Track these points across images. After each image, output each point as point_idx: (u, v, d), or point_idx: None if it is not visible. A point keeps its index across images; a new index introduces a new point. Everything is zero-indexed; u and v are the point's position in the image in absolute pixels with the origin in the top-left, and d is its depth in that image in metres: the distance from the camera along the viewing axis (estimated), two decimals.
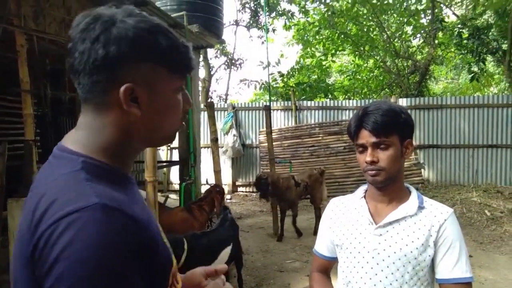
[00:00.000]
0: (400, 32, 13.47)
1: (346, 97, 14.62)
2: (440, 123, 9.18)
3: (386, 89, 13.98)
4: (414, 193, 1.41)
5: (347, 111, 9.60)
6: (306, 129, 9.59)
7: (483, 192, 8.04)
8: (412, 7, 12.94)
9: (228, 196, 9.16)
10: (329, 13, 12.86)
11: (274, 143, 7.41)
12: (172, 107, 0.83)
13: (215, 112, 8.03)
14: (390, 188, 1.37)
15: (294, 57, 17.98)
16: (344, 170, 9.02)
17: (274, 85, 14.13)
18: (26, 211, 0.74)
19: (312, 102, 10.67)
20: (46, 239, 0.65)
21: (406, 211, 1.35)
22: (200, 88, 12.62)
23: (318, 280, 1.54)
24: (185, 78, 0.86)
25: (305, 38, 14.89)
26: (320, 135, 9.41)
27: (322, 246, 1.55)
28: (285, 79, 14.34)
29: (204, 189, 5.72)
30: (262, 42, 14.79)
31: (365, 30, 13.34)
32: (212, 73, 14.83)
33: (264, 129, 8.22)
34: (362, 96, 14.54)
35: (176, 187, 9.13)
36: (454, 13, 13.04)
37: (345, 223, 1.45)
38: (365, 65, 15.22)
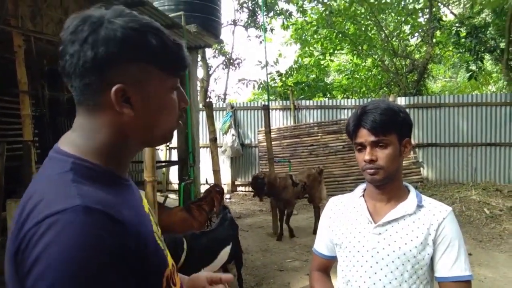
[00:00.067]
0: (398, 31, 13.48)
1: (345, 96, 14.63)
2: (439, 121, 9.20)
3: (385, 88, 13.99)
4: (412, 192, 1.41)
5: (346, 110, 9.60)
6: (305, 129, 9.59)
7: (482, 190, 8.05)
8: (410, 6, 12.96)
9: (227, 196, 9.16)
10: (327, 12, 12.86)
11: (273, 143, 7.42)
12: (166, 106, 0.83)
13: (214, 112, 8.03)
14: (388, 187, 1.37)
15: (292, 57, 18.05)
16: (343, 169, 9.02)
17: (273, 85, 14.13)
18: (16, 212, 0.74)
19: (311, 101, 10.67)
20: (28, 240, 0.65)
21: (405, 210, 1.35)
22: (198, 88, 12.60)
23: (318, 279, 1.54)
24: (179, 76, 0.85)
25: (303, 37, 14.90)
26: (319, 134, 9.42)
27: (321, 245, 1.55)
28: (284, 79, 14.34)
29: (203, 188, 5.72)
30: (260, 42, 14.78)
31: (363, 29, 13.35)
32: (210, 73, 14.83)
33: (263, 128, 8.22)
34: (361, 95, 14.56)
35: (175, 187, 9.13)
36: (451, 12, 13.05)
37: (344, 222, 1.45)
38: (363, 64, 15.23)
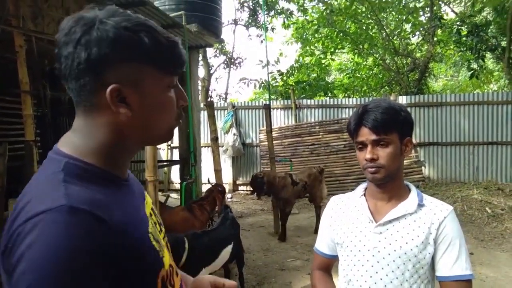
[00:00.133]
0: (399, 30, 13.46)
1: (346, 95, 14.62)
2: (440, 120, 9.18)
3: (386, 87, 13.98)
4: (413, 191, 1.41)
5: (347, 109, 9.59)
6: (306, 128, 9.59)
7: (484, 189, 8.04)
8: (411, 5, 12.94)
9: (228, 195, 9.17)
10: (328, 11, 12.85)
11: (274, 142, 7.42)
12: (163, 105, 0.83)
13: (215, 111, 8.03)
14: (389, 185, 1.37)
15: (293, 56, 18.00)
16: (344, 168, 9.02)
17: (274, 84, 14.13)
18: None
19: (312, 100, 10.66)
20: (15, 238, 0.66)
21: (406, 209, 1.35)
22: (199, 88, 12.62)
23: (319, 278, 1.54)
24: (176, 74, 0.85)
25: (304, 36, 14.89)
26: (320, 134, 9.41)
27: (322, 244, 1.56)
28: (285, 78, 14.33)
29: (205, 188, 5.72)
30: (261, 41, 14.77)
31: (364, 28, 13.33)
32: (211, 72, 14.83)
33: (264, 128, 8.23)
34: (362, 94, 14.54)
35: (177, 186, 9.13)
36: (453, 11, 13.03)
37: (345, 221, 1.45)
38: (365, 63, 15.21)
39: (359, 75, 15.25)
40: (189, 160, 6.23)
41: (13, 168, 4.50)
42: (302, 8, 13.85)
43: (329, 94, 14.02)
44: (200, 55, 10.91)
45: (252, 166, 10.03)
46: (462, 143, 9.07)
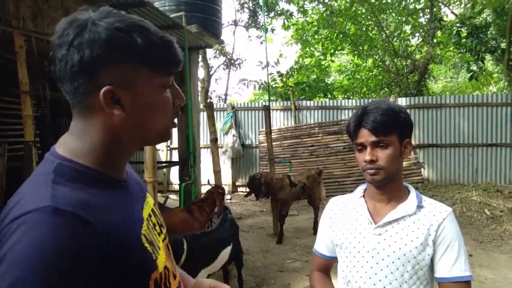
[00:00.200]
0: (398, 31, 13.48)
1: (345, 96, 14.62)
2: (440, 122, 9.19)
3: (385, 89, 13.98)
4: (413, 193, 1.41)
5: (347, 111, 9.60)
6: (305, 129, 9.59)
7: (483, 191, 8.04)
8: (411, 6, 12.95)
9: (228, 196, 9.16)
10: (328, 12, 12.86)
11: (273, 143, 7.42)
12: (158, 105, 0.82)
13: (215, 112, 8.03)
14: (389, 187, 1.37)
15: (293, 57, 18.04)
16: (343, 170, 9.02)
17: (273, 85, 14.13)
18: None
19: (312, 102, 10.67)
20: (1, 237, 0.67)
21: (405, 211, 1.35)
22: (199, 89, 12.61)
23: (318, 279, 1.54)
24: (171, 74, 0.84)
25: (304, 37, 14.89)
26: (320, 135, 9.42)
27: (322, 245, 1.56)
28: (284, 79, 14.34)
29: (204, 189, 5.72)
30: (261, 42, 14.79)
31: (364, 29, 13.35)
32: (211, 73, 14.84)
33: (264, 129, 8.23)
34: (361, 95, 14.55)
35: (176, 187, 9.13)
36: (452, 12, 13.05)
37: (344, 223, 1.45)
38: (364, 64, 15.23)
39: (358, 77, 15.26)
40: (188, 161, 6.23)
41: (12, 169, 4.50)
42: (302, 9, 13.86)
43: (329, 96, 14.03)
44: (200, 56, 10.93)
45: (251, 167, 10.02)
46: (461, 145, 9.07)
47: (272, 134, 7.46)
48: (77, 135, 0.81)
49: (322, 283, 1.52)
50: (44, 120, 5.27)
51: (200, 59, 11.38)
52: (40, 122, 5.23)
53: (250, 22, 14.37)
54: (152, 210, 0.96)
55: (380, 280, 1.33)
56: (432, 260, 1.33)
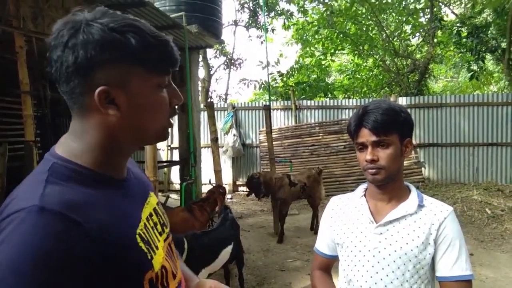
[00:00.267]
0: (399, 31, 13.47)
1: (346, 96, 14.63)
2: (440, 121, 9.19)
3: (386, 88, 13.98)
4: (414, 192, 1.41)
5: (347, 110, 9.60)
6: (306, 129, 9.59)
7: (484, 190, 8.04)
8: (411, 6, 12.95)
9: (228, 196, 9.16)
10: (328, 12, 12.86)
11: (274, 143, 7.42)
12: (154, 105, 0.82)
13: (215, 112, 8.04)
14: (390, 186, 1.37)
15: (294, 57, 18.05)
16: (344, 169, 9.02)
17: (274, 85, 14.14)
18: None
19: (312, 101, 10.67)
20: None
21: (406, 210, 1.35)
22: (199, 88, 12.63)
23: (319, 278, 1.54)
24: (167, 73, 0.84)
25: (304, 37, 14.90)
26: (320, 134, 9.42)
27: (323, 244, 1.56)
28: (285, 79, 14.34)
29: (205, 188, 5.72)
30: (261, 42, 14.79)
31: (364, 29, 13.34)
32: (211, 73, 14.84)
33: (264, 128, 8.23)
34: (362, 95, 14.55)
35: (177, 187, 9.14)
36: (453, 12, 13.05)
37: (345, 222, 1.45)
38: (365, 64, 15.22)
39: (359, 76, 15.26)
40: (189, 161, 6.24)
41: (13, 169, 4.50)
42: (302, 9, 13.86)
43: (329, 95, 14.03)
44: (200, 56, 10.93)
45: (252, 167, 10.03)
46: (462, 144, 9.07)
47: (273, 133, 7.46)
48: (75, 135, 0.81)
49: (323, 282, 1.52)
50: (45, 120, 5.27)
51: (200, 59, 11.39)
52: (41, 122, 5.24)
53: (250, 22, 14.38)
54: (154, 209, 0.95)
55: (381, 279, 1.33)
56: (433, 259, 1.33)
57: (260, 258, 5.21)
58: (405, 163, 1.45)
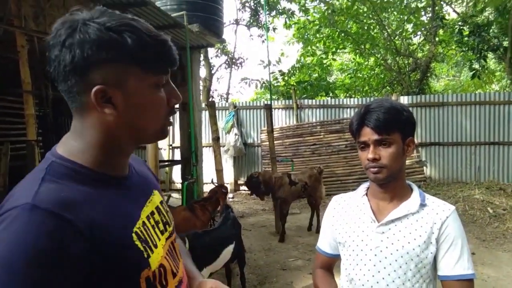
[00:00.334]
0: (400, 30, 13.45)
1: (347, 95, 14.62)
2: (442, 120, 9.17)
3: (387, 87, 13.97)
4: (416, 191, 1.41)
5: (348, 109, 9.59)
6: (307, 128, 9.59)
7: (486, 190, 8.02)
8: (413, 5, 12.93)
9: (230, 195, 9.17)
10: (329, 11, 12.85)
11: (275, 142, 7.42)
12: (151, 105, 0.83)
13: (217, 111, 8.04)
14: (391, 185, 1.37)
15: (295, 56, 18.01)
16: (345, 168, 9.01)
17: (275, 84, 14.14)
18: None
19: (313, 100, 10.66)
20: None
21: (408, 209, 1.35)
22: (201, 88, 12.62)
23: (321, 276, 1.54)
24: (164, 73, 0.84)
25: (306, 36, 14.88)
26: (322, 134, 9.41)
27: (324, 243, 1.56)
28: (286, 78, 14.34)
29: (207, 188, 5.73)
30: (263, 41, 14.79)
31: (366, 28, 13.32)
32: (213, 72, 14.84)
33: (266, 128, 8.23)
34: (363, 94, 14.54)
35: (178, 186, 9.15)
36: (454, 11, 13.01)
37: (347, 221, 1.45)
38: (366, 63, 15.21)
39: (360, 75, 15.25)
40: (190, 160, 6.24)
41: (15, 168, 4.51)
42: (303, 8, 13.85)
43: (331, 94, 14.02)
44: (202, 55, 10.93)
45: (253, 166, 10.03)
46: (463, 143, 9.06)
47: (274, 132, 7.46)
48: (75, 134, 0.82)
49: (325, 280, 1.52)
50: (47, 119, 5.29)
51: (201, 58, 11.39)
52: (43, 121, 5.25)
53: (251, 21, 14.37)
54: (157, 208, 0.95)
55: (383, 278, 1.33)
56: (435, 258, 1.33)
57: (261, 257, 5.22)
58: (407, 162, 1.45)
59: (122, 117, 0.80)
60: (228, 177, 9.58)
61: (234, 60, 15.14)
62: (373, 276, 1.35)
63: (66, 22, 0.77)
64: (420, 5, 12.79)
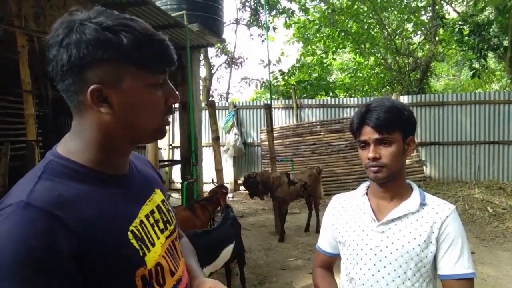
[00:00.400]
0: (400, 29, 13.44)
1: (347, 94, 14.61)
2: (442, 120, 9.17)
3: (387, 87, 13.96)
4: (416, 190, 1.41)
5: (348, 109, 9.59)
6: (307, 127, 9.59)
7: (485, 189, 8.03)
8: (413, 4, 12.92)
9: (230, 195, 9.17)
10: (329, 11, 12.85)
11: (275, 142, 7.42)
12: (147, 104, 0.83)
13: (216, 111, 8.04)
14: (391, 185, 1.37)
15: (295, 55, 18.00)
16: (345, 168, 9.01)
17: (275, 84, 14.13)
18: None
19: (313, 100, 10.65)
20: None
21: (408, 208, 1.35)
22: (201, 87, 12.62)
23: (321, 276, 1.55)
24: (162, 73, 0.84)
25: (306, 36, 14.88)
26: (322, 133, 9.41)
27: (324, 242, 1.56)
28: (286, 77, 14.33)
29: (207, 188, 5.73)
30: (263, 41, 14.80)
31: (366, 27, 13.32)
32: (213, 72, 14.84)
33: (266, 127, 8.23)
34: (363, 93, 14.53)
35: (178, 186, 9.15)
36: (454, 10, 13.01)
37: (347, 220, 1.45)
38: (366, 62, 15.20)
39: (360, 75, 15.24)
40: (190, 160, 6.25)
41: (14, 168, 4.52)
42: (303, 7, 13.85)
43: (331, 94, 14.02)
44: (202, 54, 10.92)
45: (253, 165, 10.03)
46: (463, 143, 9.06)
47: (274, 132, 7.46)
48: (75, 133, 0.83)
49: (325, 279, 1.53)
50: (46, 119, 5.29)
51: (201, 57, 11.39)
52: (43, 121, 5.25)
53: (251, 20, 14.37)
54: (158, 206, 0.95)
55: (383, 278, 1.33)
56: (435, 257, 1.33)
57: (261, 257, 5.22)
58: (407, 161, 1.45)
59: (118, 117, 0.80)
60: (228, 177, 9.58)
61: (234, 60, 15.14)
62: (373, 275, 1.35)
63: (64, 22, 0.78)
64: (420, 5, 12.78)
